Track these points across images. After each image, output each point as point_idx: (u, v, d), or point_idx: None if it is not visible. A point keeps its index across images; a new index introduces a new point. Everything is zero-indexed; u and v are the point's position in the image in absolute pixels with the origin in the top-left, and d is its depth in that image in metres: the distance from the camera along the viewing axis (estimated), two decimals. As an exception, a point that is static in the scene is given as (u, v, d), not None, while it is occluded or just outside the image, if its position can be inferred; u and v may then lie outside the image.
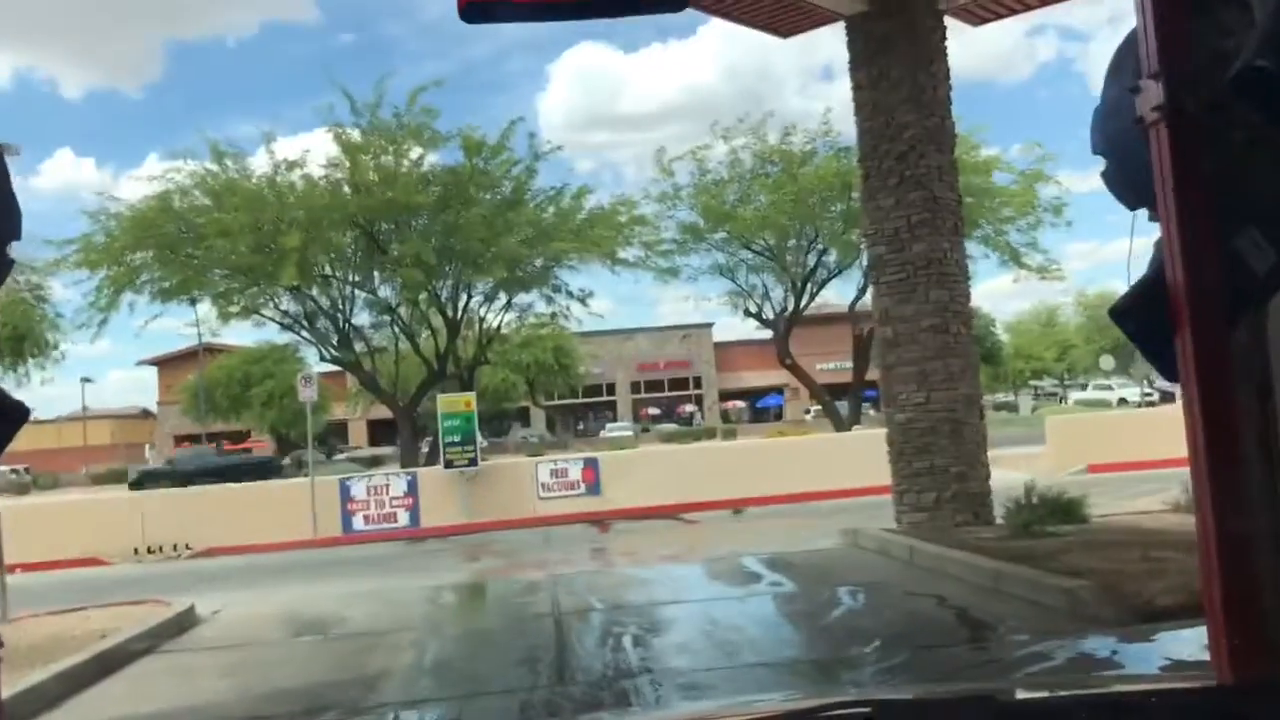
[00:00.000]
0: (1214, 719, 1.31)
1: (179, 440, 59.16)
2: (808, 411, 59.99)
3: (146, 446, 49.46)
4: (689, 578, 9.06)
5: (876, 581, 7.48)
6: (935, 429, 9.95)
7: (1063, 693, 1.93)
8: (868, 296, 25.77)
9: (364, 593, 9.23)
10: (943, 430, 9.96)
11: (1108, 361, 54.21)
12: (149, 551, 17.08)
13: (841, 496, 15.94)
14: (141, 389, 70.07)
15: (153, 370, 63.38)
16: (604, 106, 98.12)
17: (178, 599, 8.70)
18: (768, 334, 66.98)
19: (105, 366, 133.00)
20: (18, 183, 1.54)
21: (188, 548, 17.07)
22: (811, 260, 24.21)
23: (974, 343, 10.35)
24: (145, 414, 66.92)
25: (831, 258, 24.45)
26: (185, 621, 7.82)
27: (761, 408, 65.13)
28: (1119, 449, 17.20)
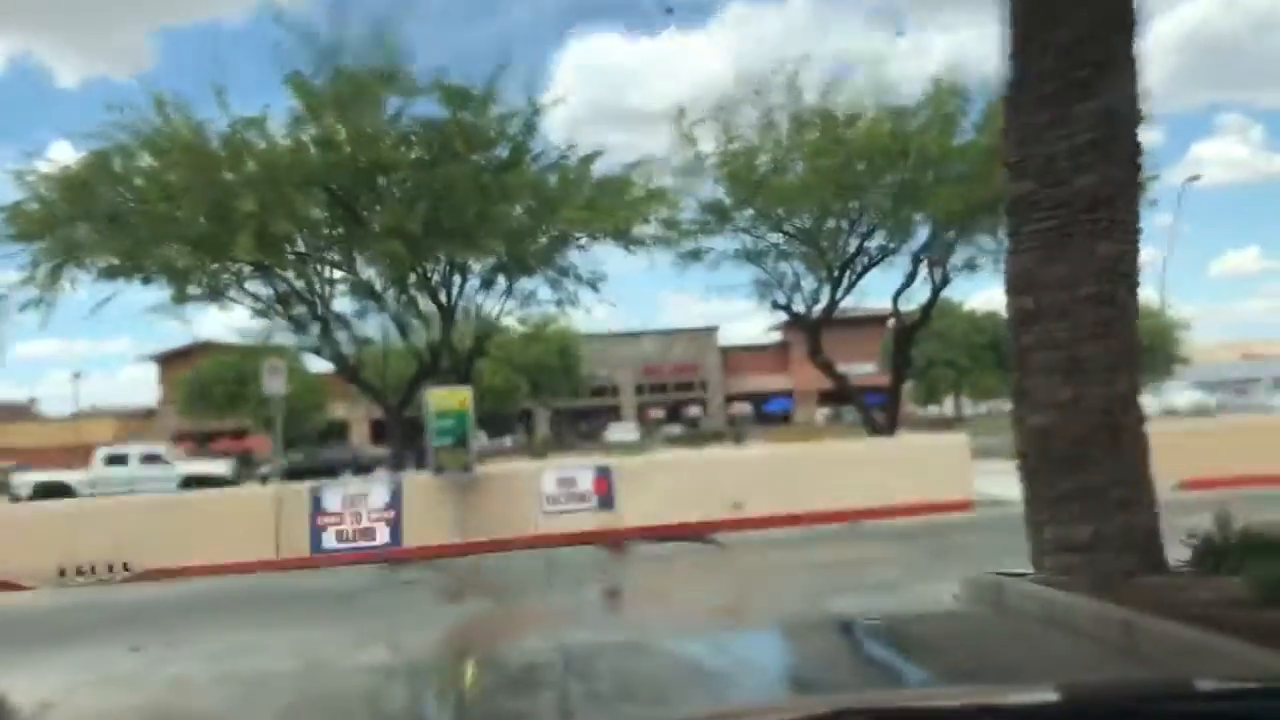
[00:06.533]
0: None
1: (178, 438, 57.41)
2: (823, 416, 57.63)
3: (136, 444, 47.13)
4: (773, 662, 5.93)
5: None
6: (1089, 437, 7.12)
7: (1066, 696, 1.93)
8: (912, 287, 23.24)
9: (282, 673, 6.26)
10: (1098, 439, 7.12)
11: (1140, 365, 51.80)
12: (79, 573, 14.25)
13: (903, 515, 13.42)
14: (152, 386, 68.94)
15: (158, 367, 62.24)
16: (611, 101, 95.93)
17: (15, 670, 5.96)
18: (774, 338, 64.88)
19: (122, 362, 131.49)
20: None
21: (126, 569, 14.25)
22: (852, 245, 21.22)
23: (1137, 318, 7.52)
24: (150, 412, 65.37)
25: (874, 243, 21.52)
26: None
27: (768, 412, 64.70)
28: (1214, 463, 14.65)
